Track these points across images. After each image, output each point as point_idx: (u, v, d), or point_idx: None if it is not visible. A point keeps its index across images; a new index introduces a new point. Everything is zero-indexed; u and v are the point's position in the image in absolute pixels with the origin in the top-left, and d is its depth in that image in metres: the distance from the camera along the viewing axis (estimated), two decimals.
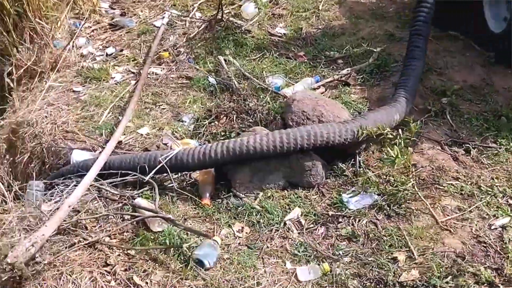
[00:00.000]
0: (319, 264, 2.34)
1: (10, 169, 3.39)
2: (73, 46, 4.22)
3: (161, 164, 2.70)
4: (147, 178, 2.70)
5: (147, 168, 2.72)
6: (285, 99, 3.26)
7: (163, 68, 4.01)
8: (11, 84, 3.90)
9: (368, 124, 2.75)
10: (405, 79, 3.23)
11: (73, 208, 2.53)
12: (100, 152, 2.94)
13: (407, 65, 3.35)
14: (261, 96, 3.41)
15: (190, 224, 2.57)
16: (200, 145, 3.00)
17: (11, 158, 3.21)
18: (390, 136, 2.70)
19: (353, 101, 3.39)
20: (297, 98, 2.99)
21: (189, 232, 2.47)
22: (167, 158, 2.71)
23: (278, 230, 2.54)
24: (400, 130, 2.74)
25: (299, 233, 2.54)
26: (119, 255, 2.39)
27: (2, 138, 3.46)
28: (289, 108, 2.97)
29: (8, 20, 4.03)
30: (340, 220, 2.57)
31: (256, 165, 2.76)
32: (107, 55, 4.28)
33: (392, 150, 2.55)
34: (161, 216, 2.46)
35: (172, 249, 2.38)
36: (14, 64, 3.96)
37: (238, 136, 3.06)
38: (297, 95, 3.05)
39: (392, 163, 2.55)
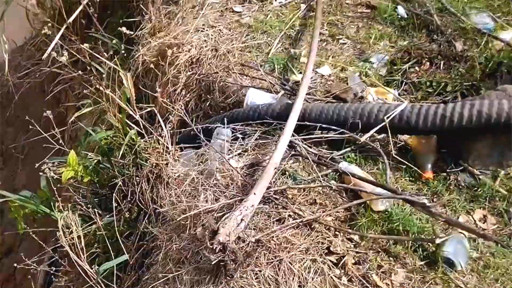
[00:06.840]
0: None
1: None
2: None
3: (383, 124, 2.10)
4: (362, 139, 2.13)
5: (359, 125, 2.14)
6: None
7: None
8: None
9: None
10: None
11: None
12: (290, 96, 2.36)
13: None
14: (471, 39, 2.70)
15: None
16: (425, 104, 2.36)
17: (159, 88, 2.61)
18: None
19: None
20: None
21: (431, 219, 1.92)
22: (390, 116, 2.10)
23: None
24: None
25: None
26: (342, 240, 1.87)
27: (149, 61, 2.86)
28: None
29: None
30: None
31: (501, 136, 2.11)
32: None
33: None
34: (404, 198, 1.89)
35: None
36: None
37: (456, 92, 2.42)
38: None
39: None
